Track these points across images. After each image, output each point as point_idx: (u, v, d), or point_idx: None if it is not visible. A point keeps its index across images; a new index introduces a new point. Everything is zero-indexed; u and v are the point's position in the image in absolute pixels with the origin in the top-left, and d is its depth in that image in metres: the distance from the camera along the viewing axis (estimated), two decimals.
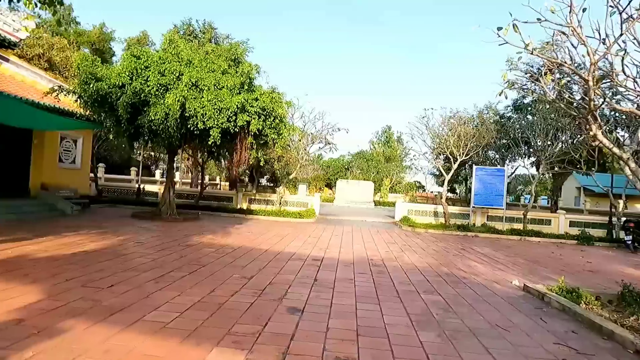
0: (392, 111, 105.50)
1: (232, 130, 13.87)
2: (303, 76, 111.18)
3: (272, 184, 35.57)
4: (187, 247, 9.91)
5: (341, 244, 12.39)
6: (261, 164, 17.70)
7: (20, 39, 16.45)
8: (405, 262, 9.92)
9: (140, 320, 4.71)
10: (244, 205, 20.94)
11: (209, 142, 13.46)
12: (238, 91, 14.12)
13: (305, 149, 21.89)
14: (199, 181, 23.98)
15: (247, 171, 36.24)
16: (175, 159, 17.67)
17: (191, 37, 25.73)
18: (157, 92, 12.98)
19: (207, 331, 4.52)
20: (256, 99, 14.15)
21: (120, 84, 12.77)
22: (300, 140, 21.28)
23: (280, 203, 20.83)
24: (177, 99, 12.39)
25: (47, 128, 14.00)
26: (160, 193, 20.94)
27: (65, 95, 13.22)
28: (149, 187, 24.10)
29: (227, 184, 38.36)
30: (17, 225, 11.36)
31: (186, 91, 12.89)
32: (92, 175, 20.91)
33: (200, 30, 27.19)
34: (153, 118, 12.48)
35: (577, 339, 5.17)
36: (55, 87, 12.87)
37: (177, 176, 38.01)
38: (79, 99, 13.24)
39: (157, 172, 35.07)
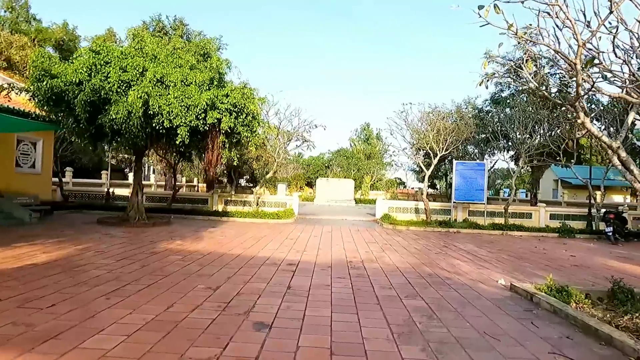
0: (371, 108, 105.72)
1: (201, 129, 13.13)
2: (279, 73, 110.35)
3: (251, 185, 34.70)
4: (151, 254, 9.16)
5: (319, 245, 11.81)
6: (235, 163, 17.01)
7: None
8: (386, 263, 9.40)
9: (77, 348, 4.01)
10: (220, 207, 20.16)
11: (177, 142, 12.68)
12: (207, 87, 13.39)
13: (283, 148, 21.21)
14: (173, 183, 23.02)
15: (225, 172, 35.44)
16: (144, 160, 16.77)
17: (161, 33, 24.67)
18: (118, 89, 12.14)
19: (156, 358, 3.87)
20: (227, 95, 13.44)
21: (78, 80, 11.86)
22: (276, 138, 20.59)
23: (257, 204, 20.13)
24: (139, 96, 11.57)
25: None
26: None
27: (17, 93, 12.21)
28: (120, 191, 22.99)
29: (205, 185, 37.38)
30: None
31: (150, 88, 12.08)
32: (56, 180, 19.80)
33: (170, 27, 26.17)
34: (114, 117, 11.63)
35: (573, 345, 4.71)
36: (5, 85, 11.85)
37: (152, 179, 36.78)
38: (32, 98, 12.26)
39: (131, 175, 33.73)
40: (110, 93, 12.11)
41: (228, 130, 13.77)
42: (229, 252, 9.90)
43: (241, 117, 13.66)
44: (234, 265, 8.43)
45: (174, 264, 8.27)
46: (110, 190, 21.19)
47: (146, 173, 43.74)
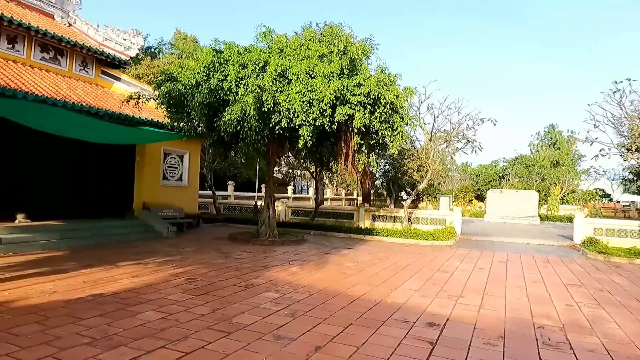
0: (556, 109, 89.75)
1: (328, 128, 10.68)
2: (444, 73, 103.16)
3: (414, 199, 31.08)
4: (244, 289, 6.90)
5: (486, 286, 7.91)
6: (374, 170, 14.09)
7: (130, 57, 16.33)
8: (612, 338, 5.11)
9: None
10: (366, 224, 17.48)
11: (300, 145, 10.48)
12: (338, 78, 10.90)
13: (438, 150, 17.39)
14: (315, 196, 21.48)
15: (383, 184, 32.91)
16: (276, 168, 15.22)
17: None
18: (236, 89, 10.63)
19: None
20: (359, 85, 10.73)
21: (195, 82, 10.80)
22: (431, 140, 16.90)
23: (408, 220, 16.75)
24: (250, 91, 9.77)
25: (126, 141, 12.97)
26: (277, 209, 19.01)
27: (145, 101, 11.89)
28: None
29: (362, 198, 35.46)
30: (86, 250, 10.05)
31: (269, 83, 10.20)
32: (204, 192, 20.22)
33: (320, 34, 25.10)
34: (228, 119, 10.09)
35: None
36: (134, 94, 11.64)
37: (328, 192, 36.52)
38: (159, 106, 11.76)
39: (289, 189, 34.19)
40: (229, 93, 10.70)
41: (362, 128, 11.02)
42: (346, 292, 6.97)
43: (378, 110, 10.75)
44: (340, 318, 5.48)
45: (258, 308, 5.76)
46: (258, 203, 20.70)
47: (309, 186, 44.53)
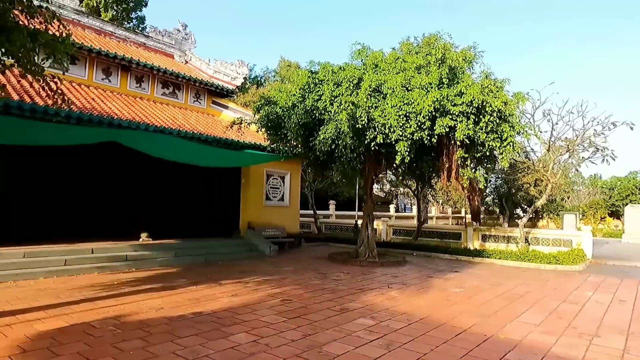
0: None
1: (427, 143, 10.03)
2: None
3: (533, 215, 27.92)
4: (337, 313, 6.57)
5: (630, 324, 6.46)
6: (482, 186, 12.84)
7: (236, 86, 17.52)
8: None
9: None
10: (475, 244, 16.03)
11: (397, 161, 9.97)
12: (437, 88, 10.24)
13: (559, 162, 15.32)
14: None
15: (495, 201, 30.31)
16: (375, 185, 14.81)
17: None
18: (331, 108, 10.59)
19: None
20: (460, 93, 9.94)
21: (291, 103, 11.02)
22: (549, 151, 14.96)
23: (526, 240, 14.93)
24: (343, 108, 9.61)
25: (231, 164, 13.67)
26: (378, 229, 18.53)
27: (247, 126, 12.47)
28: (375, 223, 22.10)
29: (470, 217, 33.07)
30: (196, 268, 10.69)
31: (363, 99, 9.97)
32: (305, 211, 20.52)
33: (417, 46, 24.39)
34: (322, 138, 10.05)
35: None
36: (237, 119, 12.30)
37: (434, 210, 35.09)
38: (259, 129, 12.24)
39: (391, 207, 33.34)
40: (324, 112, 10.72)
41: (466, 140, 10.15)
42: (451, 322, 6.22)
43: (483, 120, 9.81)
44: (442, 354, 4.82)
45: (352, 337, 5.37)
46: (358, 222, 20.40)
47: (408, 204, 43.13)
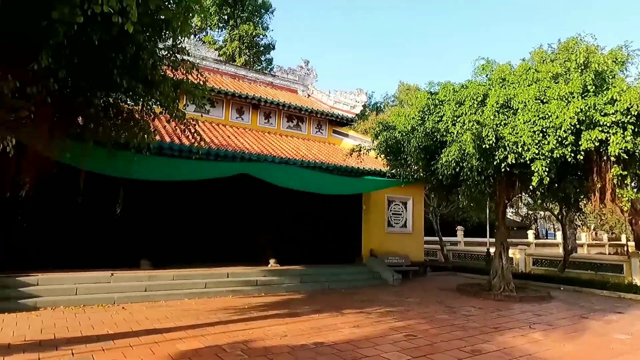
0: None
1: (571, 159, 8.71)
2: None
3: None
4: (469, 355, 5.90)
5: None
6: None
7: (356, 114, 17.81)
8: None
9: None
10: None
11: (534, 183, 8.84)
12: (580, 97, 8.94)
13: None
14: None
15: None
16: (509, 209, 13.41)
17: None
18: (453, 128, 9.98)
19: None
20: (612, 101, 8.52)
21: (410, 127, 10.68)
22: None
23: None
24: (467, 128, 8.92)
25: (351, 191, 13.63)
26: (514, 258, 16.65)
27: (366, 152, 12.42)
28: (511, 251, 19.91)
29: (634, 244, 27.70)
30: (319, 294, 10.81)
31: (490, 116, 9.19)
32: (430, 238, 19.45)
33: (552, 53, 21.99)
34: (445, 161, 9.46)
35: None
36: (356, 146, 12.35)
37: (584, 237, 30.72)
38: (378, 155, 12.09)
39: (530, 233, 29.81)
40: (445, 134, 10.15)
41: (623, 155, 8.56)
42: None
43: None
44: None
45: None
46: (490, 250, 18.62)
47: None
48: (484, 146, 8.87)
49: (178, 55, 6.82)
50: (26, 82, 4.25)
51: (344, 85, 78.43)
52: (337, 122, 17.88)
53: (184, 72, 6.76)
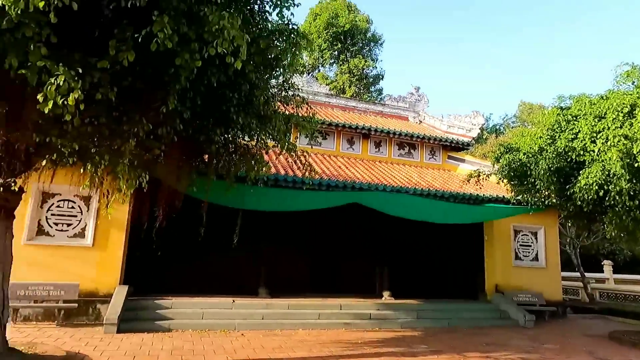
0: None
1: None
2: None
3: None
4: None
5: None
6: None
7: (472, 138, 16.70)
8: None
9: None
10: None
11: None
12: None
13: None
14: None
15: None
16: None
17: None
18: (592, 146, 8.61)
19: None
20: None
21: (538, 147, 9.51)
22: None
23: None
24: (612, 144, 7.56)
25: (469, 220, 12.44)
26: None
27: (486, 177, 11.33)
28: None
29: None
30: (437, 332, 9.95)
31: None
32: (570, 274, 16.83)
33: None
34: (583, 184, 8.14)
35: None
36: (474, 172, 11.36)
37: None
38: (500, 180, 10.96)
39: None
40: (582, 153, 8.81)
41: None
42: None
43: None
44: None
45: None
46: None
47: None
48: (636, 165, 7.42)
49: (289, 91, 7.13)
50: (157, 124, 4.76)
51: (458, 110, 75.15)
52: (452, 147, 16.96)
53: (294, 106, 7.03)
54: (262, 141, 6.69)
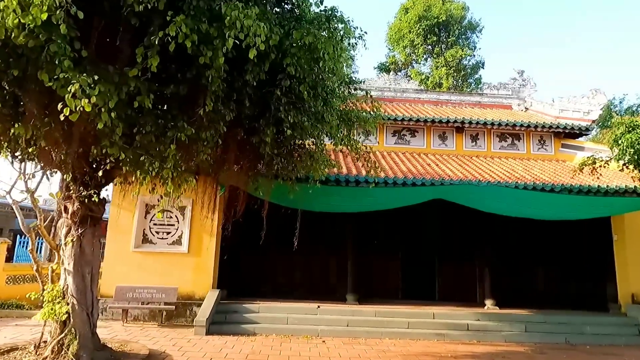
0: None
1: None
2: None
3: None
4: None
5: None
6: None
7: (592, 121, 14.23)
8: None
9: None
10: None
11: None
12: None
13: None
14: None
15: None
16: None
17: None
18: None
19: None
20: None
21: None
22: None
23: None
24: None
25: (587, 215, 10.39)
26: None
27: (606, 165, 9.37)
28: None
29: None
30: (552, 350, 8.48)
31: None
32: None
33: None
34: None
35: None
36: (587, 159, 9.47)
37: None
38: (623, 167, 8.98)
39: None
40: None
41: None
42: None
43: None
44: None
45: None
46: None
47: None
48: None
49: (350, 86, 6.75)
50: (199, 128, 4.79)
51: (575, 89, 65.93)
52: (566, 134, 14.66)
53: (355, 102, 6.63)
54: (318, 140, 6.39)
